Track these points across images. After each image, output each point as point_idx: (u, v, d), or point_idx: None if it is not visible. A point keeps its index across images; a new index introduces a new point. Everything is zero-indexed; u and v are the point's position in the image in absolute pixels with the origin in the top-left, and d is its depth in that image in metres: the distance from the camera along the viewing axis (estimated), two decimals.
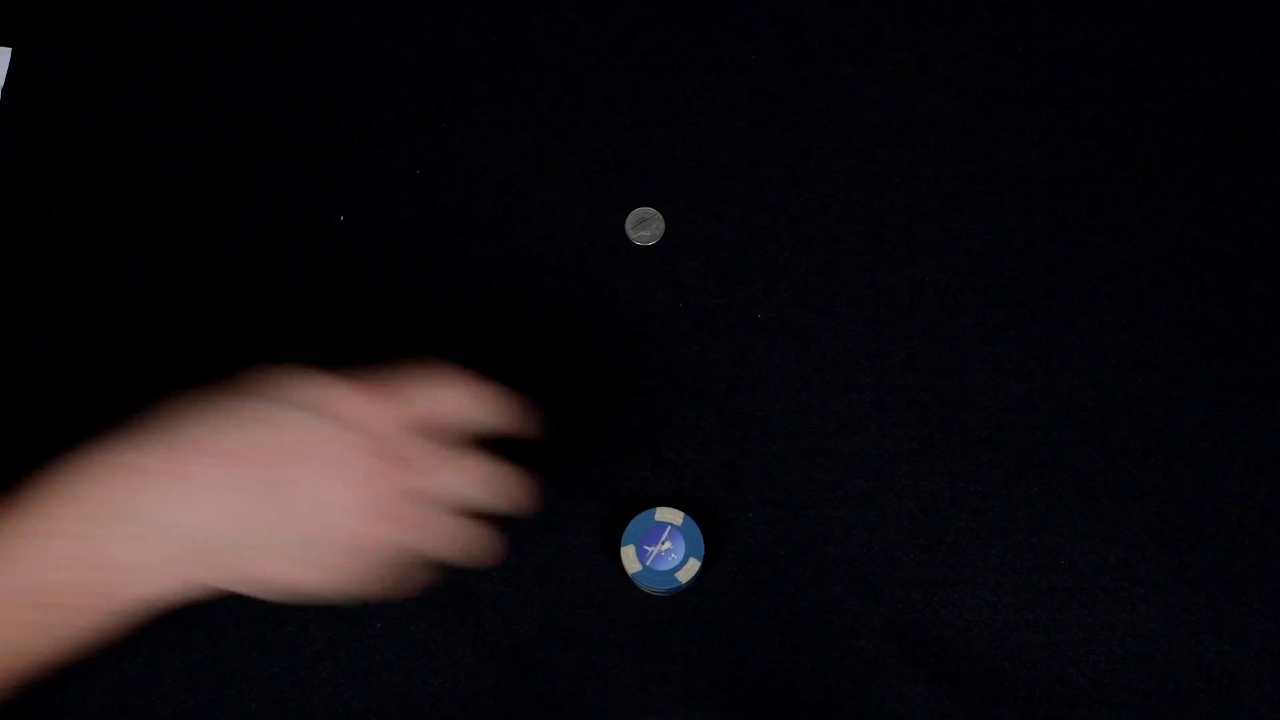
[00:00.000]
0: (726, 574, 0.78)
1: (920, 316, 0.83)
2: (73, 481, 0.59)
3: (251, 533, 0.58)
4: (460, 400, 0.63)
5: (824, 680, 0.77)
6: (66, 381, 0.83)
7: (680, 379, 0.82)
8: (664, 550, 0.75)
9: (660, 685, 0.77)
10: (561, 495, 0.78)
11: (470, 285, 0.84)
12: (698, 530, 0.75)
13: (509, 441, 0.68)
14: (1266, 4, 0.88)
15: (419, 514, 0.60)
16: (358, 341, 0.84)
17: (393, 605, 0.76)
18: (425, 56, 0.89)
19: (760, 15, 0.89)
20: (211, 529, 0.58)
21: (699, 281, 0.84)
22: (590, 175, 0.86)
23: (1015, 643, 0.77)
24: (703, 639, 0.77)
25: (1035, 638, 0.77)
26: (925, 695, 0.76)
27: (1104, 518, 0.79)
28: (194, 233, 0.86)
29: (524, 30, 0.89)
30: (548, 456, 0.75)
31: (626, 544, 0.75)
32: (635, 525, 0.75)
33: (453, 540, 0.61)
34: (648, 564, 0.75)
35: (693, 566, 0.75)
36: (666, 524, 0.75)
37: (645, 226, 0.85)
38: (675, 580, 0.75)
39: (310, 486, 0.58)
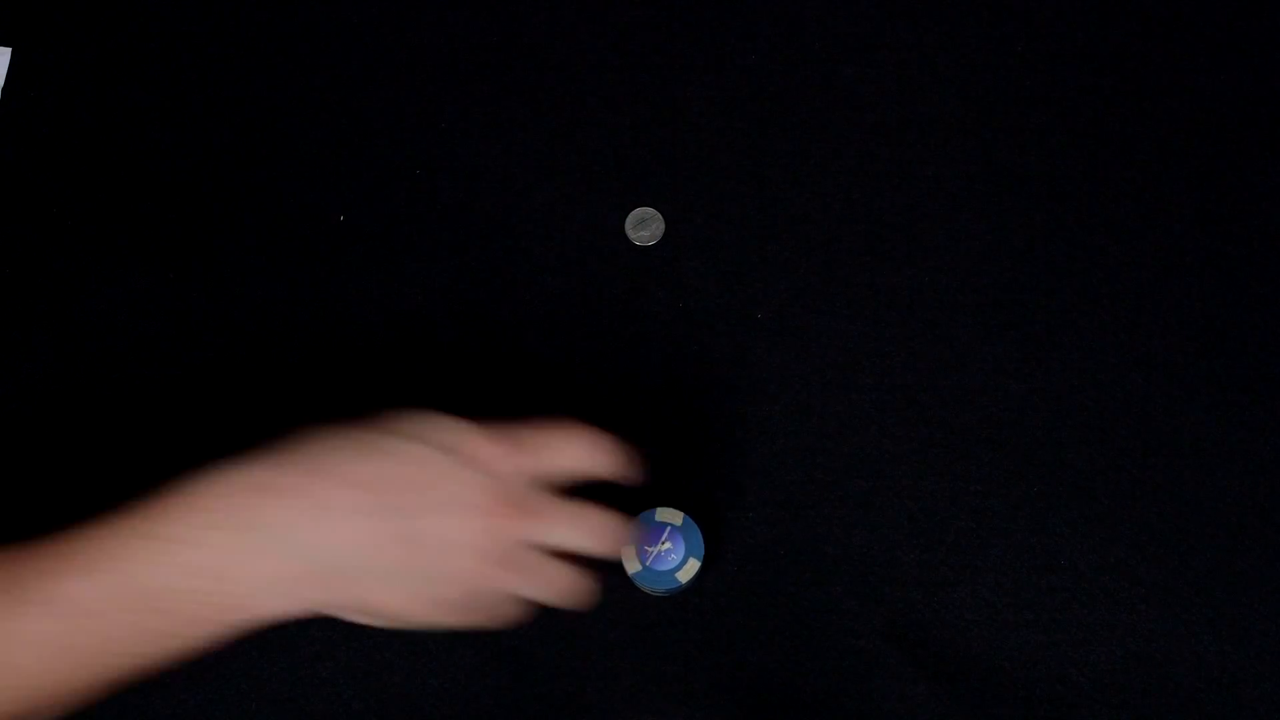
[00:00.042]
0: (726, 574, 0.79)
1: (920, 316, 0.83)
2: (206, 494, 0.61)
3: (373, 561, 0.60)
4: (581, 454, 0.65)
5: (824, 680, 0.77)
6: (66, 381, 0.83)
7: (680, 379, 0.82)
8: (664, 550, 0.75)
9: (660, 685, 0.77)
10: (561, 495, 0.78)
11: (470, 285, 0.84)
12: (698, 530, 0.75)
13: (620, 491, 0.70)
14: (1266, 4, 0.88)
15: (528, 559, 0.63)
16: (358, 342, 0.84)
17: None
18: (425, 56, 0.89)
19: (760, 15, 0.89)
20: (337, 553, 0.60)
21: (699, 281, 0.84)
22: (590, 175, 0.86)
23: (1015, 643, 0.77)
24: (703, 639, 0.77)
25: (1035, 638, 0.77)
26: (925, 695, 0.76)
27: (1104, 518, 0.79)
28: (194, 233, 0.86)
29: (524, 30, 0.89)
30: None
31: (626, 544, 0.75)
32: (635, 526, 0.75)
33: (555, 587, 0.64)
34: (648, 564, 0.75)
35: (693, 566, 0.75)
36: (666, 524, 0.75)
37: (645, 226, 0.85)
38: (675, 580, 0.75)
39: (435, 522, 0.60)
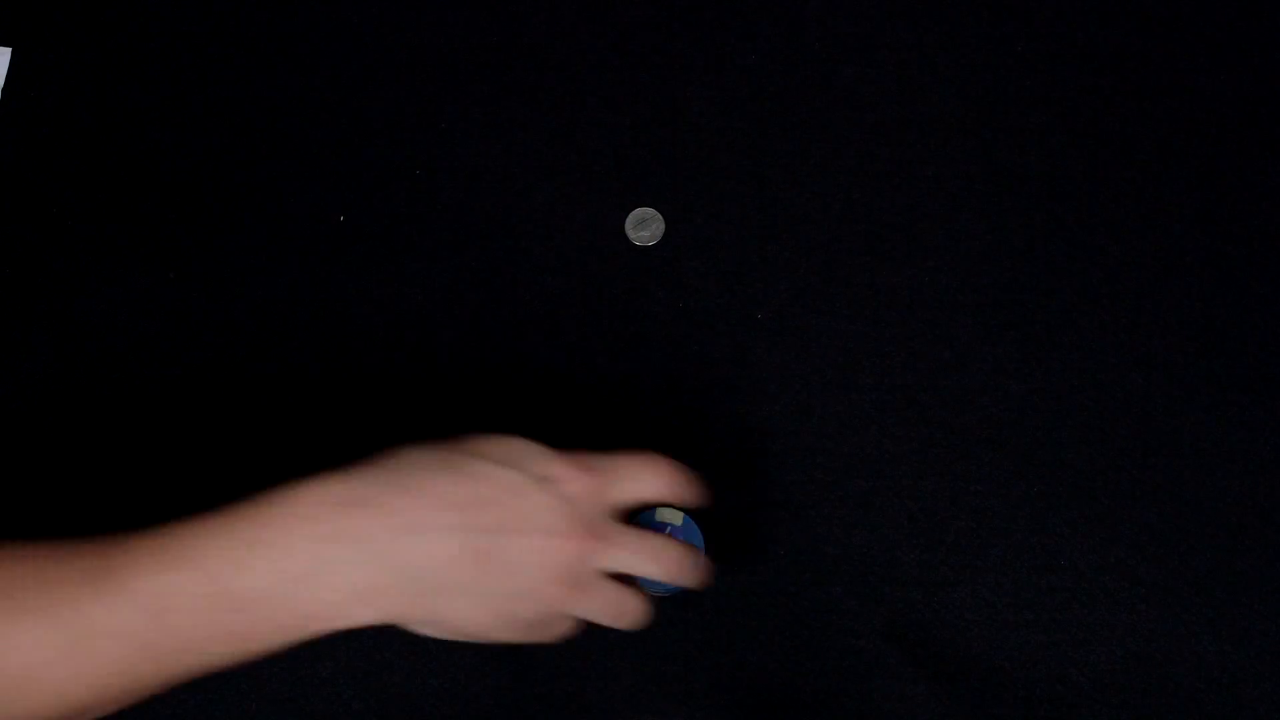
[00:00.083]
0: (726, 574, 0.79)
1: (920, 316, 0.83)
2: (302, 502, 0.62)
3: (454, 576, 0.62)
4: (654, 482, 0.68)
5: (824, 680, 0.77)
6: (66, 381, 0.83)
7: (680, 379, 0.82)
8: None
9: (660, 685, 0.77)
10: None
11: (470, 285, 0.84)
12: (698, 530, 0.75)
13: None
14: (1266, 4, 0.88)
15: (595, 582, 0.66)
16: (358, 342, 0.84)
17: None
18: (425, 56, 0.89)
19: (760, 15, 0.89)
20: (422, 568, 0.62)
21: (699, 281, 0.84)
22: (590, 175, 0.86)
23: (1015, 643, 0.77)
24: (703, 639, 0.77)
25: (1035, 638, 0.77)
26: (925, 695, 0.76)
27: (1104, 518, 0.79)
28: (194, 233, 0.86)
29: (524, 30, 0.90)
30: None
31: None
32: (635, 526, 0.75)
33: (618, 610, 0.67)
34: None
35: None
36: (666, 524, 0.75)
37: (645, 226, 0.85)
38: None
39: (514, 542, 0.63)
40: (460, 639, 0.65)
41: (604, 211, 0.86)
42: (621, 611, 0.67)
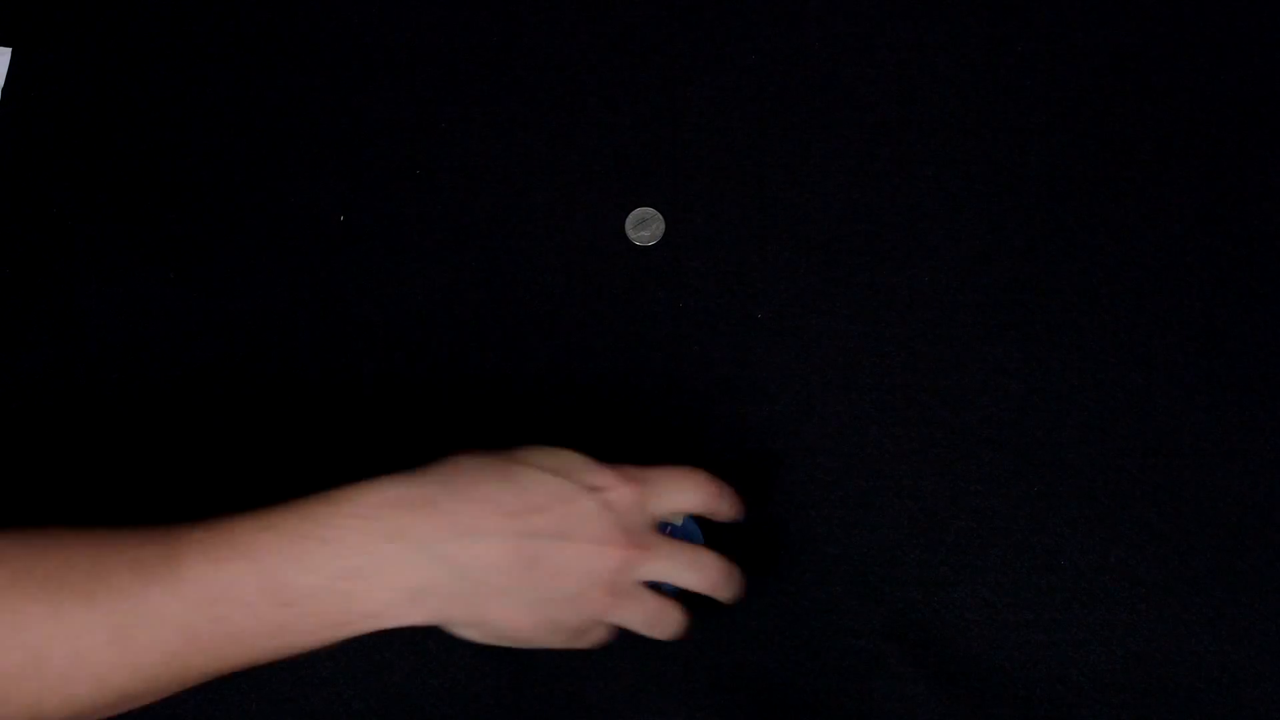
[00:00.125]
0: None
1: (920, 316, 0.83)
2: (360, 502, 0.63)
3: (503, 580, 0.64)
4: (696, 495, 0.70)
5: (824, 680, 0.77)
6: (66, 381, 0.83)
7: (680, 379, 0.82)
8: None
9: (660, 685, 0.77)
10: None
11: (470, 285, 0.84)
12: (698, 530, 0.75)
13: (727, 530, 0.74)
14: (1266, 4, 0.88)
15: (636, 590, 0.68)
16: (358, 342, 0.84)
17: None
18: (425, 56, 0.89)
19: (760, 15, 0.89)
20: (473, 570, 0.64)
21: (699, 281, 0.84)
22: (590, 175, 0.86)
23: (1015, 643, 0.77)
24: (703, 639, 0.77)
25: (1035, 638, 0.77)
26: (925, 695, 0.76)
27: (1104, 518, 0.79)
28: (194, 233, 0.86)
29: (524, 30, 0.89)
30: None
31: None
32: None
33: (657, 619, 0.69)
34: None
35: None
36: (667, 524, 0.75)
37: (645, 226, 0.85)
38: None
39: (563, 549, 0.65)
40: (501, 643, 0.66)
41: (604, 211, 0.86)
42: (660, 621, 0.69)
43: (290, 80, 0.89)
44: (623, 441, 0.81)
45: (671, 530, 0.75)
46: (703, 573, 0.70)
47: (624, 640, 0.74)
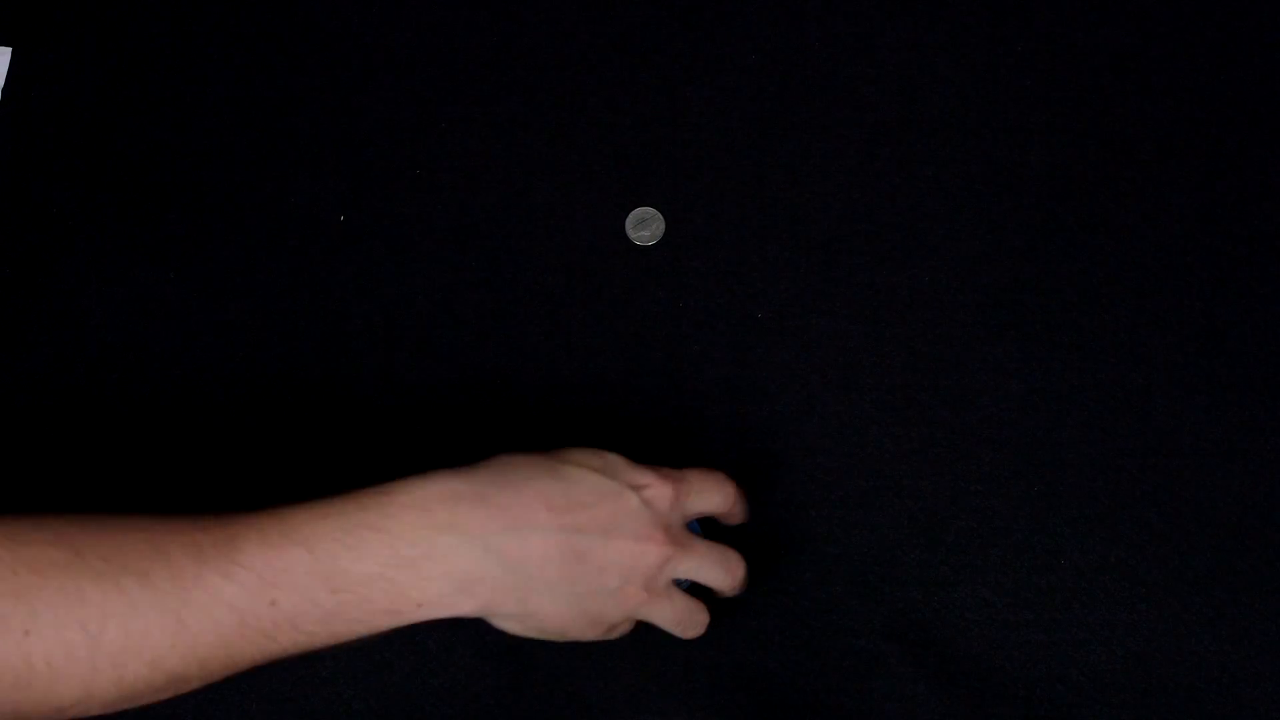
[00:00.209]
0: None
1: (920, 316, 0.83)
2: (415, 493, 0.65)
3: (546, 572, 0.66)
4: (722, 497, 0.72)
5: (824, 680, 0.77)
6: (66, 381, 0.83)
7: (680, 379, 0.82)
8: None
9: (660, 685, 0.77)
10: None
11: (470, 285, 0.84)
12: (698, 530, 0.75)
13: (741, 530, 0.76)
14: (1266, 4, 0.88)
15: (673, 591, 0.70)
16: (357, 342, 0.84)
17: None
18: (425, 56, 0.89)
19: (760, 15, 0.89)
20: (520, 562, 0.65)
21: (699, 281, 0.84)
22: (590, 175, 0.86)
23: (1015, 643, 0.77)
24: (703, 639, 0.77)
25: (1035, 638, 0.77)
26: (925, 695, 0.76)
27: (1104, 518, 0.79)
28: (194, 233, 0.86)
29: (524, 30, 0.90)
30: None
31: None
32: None
33: (686, 617, 0.71)
34: None
35: None
36: None
37: (645, 226, 0.85)
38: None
39: (604, 543, 0.67)
40: (540, 636, 0.68)
41: (604, 211, 0.86)
42: (690, 621, 0.71)
43: (290, 80, 0.89)
44: (623, 441, 0.81)
45: None
46: (732, 573, 0.71)
47: (624, 640, 0.74)
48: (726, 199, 0.86)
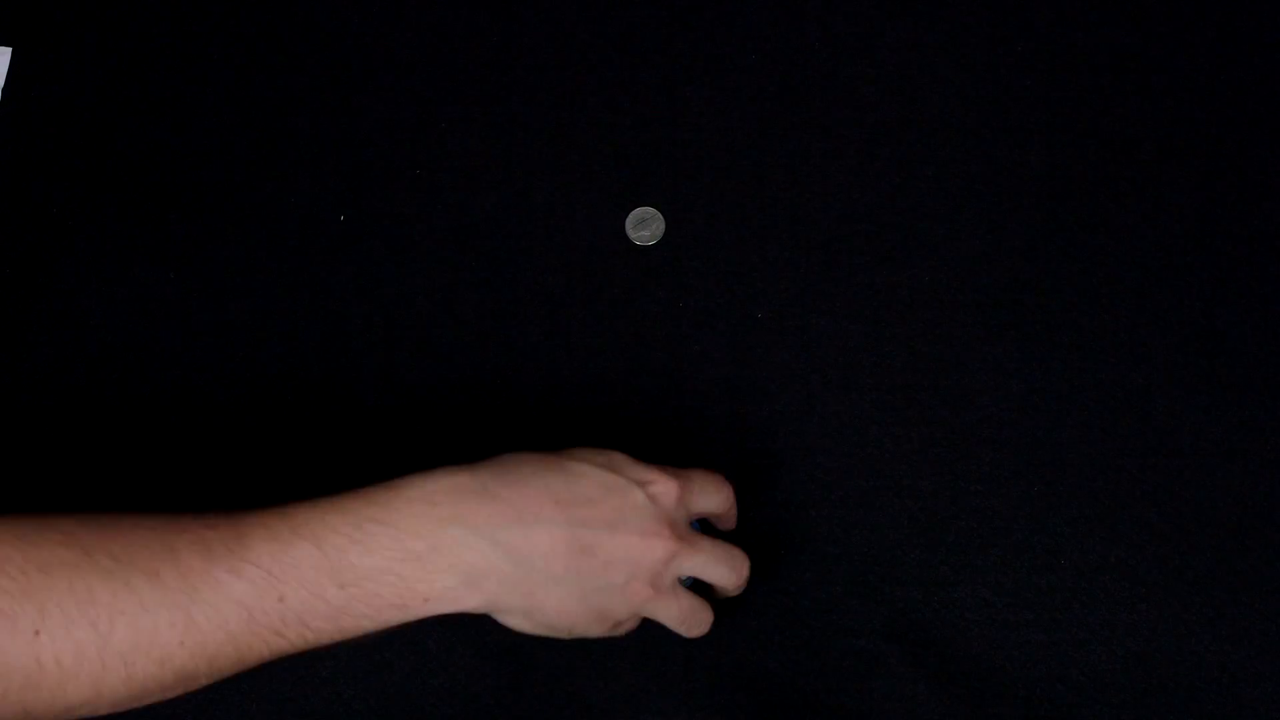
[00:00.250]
0: None
1: (920, 316, 0.83)
2: (424, 489, 0.65)
3: (553, 567, 0.66)
4: (719, 497, 0.73)
5: (824, 680, 0.77)
6: (66, 381, 0.83)
7: (680, 379, 0.82)
8: None
9: (660, 685, 0.77)
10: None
11: (470, 285, 0.84)
12: (696, 525, 0.75)
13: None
14: (1266, 4, 0.88)
15: (678, 588, 0.70)
16: (357, 342, 0.84)
17: None
18: (425, 56, 0.89)
19: (760, 15, 0.89)
20: (527, 556, 0.65)
21: (699, 281, 0.84)
22: (590, 175, 0.86)
23: (1015, 643, 0.77)
24: (703, 639, 0.77)
25: (1035, 638, 0.77)
26: (925, 695, 0.76)
27: (1104, 518, 0.79)
28: (194, 233, 0.86)
29: (524, 30, 0.90)
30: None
31: None
32: None
33: (690, 615, 0.71)
34: None
35: None
36: None
37: (645, 226, 0.85)
38: None
39: (610, 539, 0.67)
40: (545, 632, 0.68)
41: (604, 211, 0.86)
42: (694, 619, 0.71)
43: (290, 80, 0.89)
44: (623, 441, 0.81)
45: None
46: (738, 570, 0.72)
47: (624, 640, 0.74)
48: (726, 199, 0.86)
